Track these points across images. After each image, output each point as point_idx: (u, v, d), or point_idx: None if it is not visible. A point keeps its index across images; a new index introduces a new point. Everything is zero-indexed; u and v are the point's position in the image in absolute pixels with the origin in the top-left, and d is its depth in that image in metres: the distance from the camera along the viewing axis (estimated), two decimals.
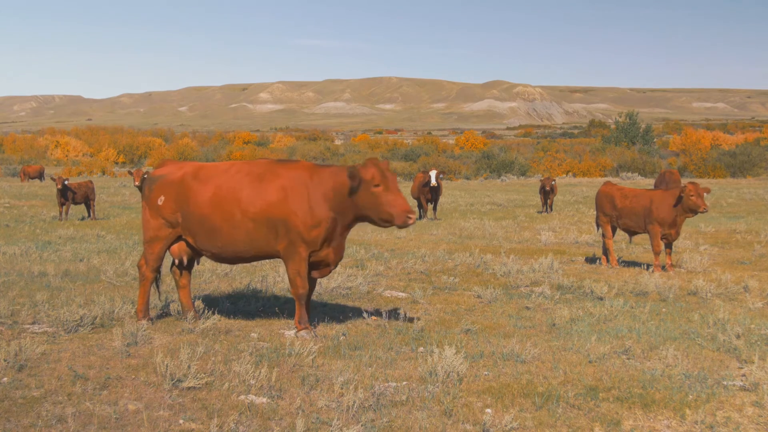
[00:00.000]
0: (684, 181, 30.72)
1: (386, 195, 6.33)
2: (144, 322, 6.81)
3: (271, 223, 6.47)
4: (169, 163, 7.18)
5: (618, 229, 11.42)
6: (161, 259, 7.00)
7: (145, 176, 7.28)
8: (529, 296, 8.48)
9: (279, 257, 6.68)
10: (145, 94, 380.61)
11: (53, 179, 18.59)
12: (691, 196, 10.17)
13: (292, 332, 6.71)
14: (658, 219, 10.44)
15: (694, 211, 10.32)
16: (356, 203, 6.43)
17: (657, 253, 10.65)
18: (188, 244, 6.91)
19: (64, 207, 18.67)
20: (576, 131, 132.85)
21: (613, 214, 11.11)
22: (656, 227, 10.49)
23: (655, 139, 66.03)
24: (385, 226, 6.56)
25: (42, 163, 52.00)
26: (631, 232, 11.28)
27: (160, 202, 6.81)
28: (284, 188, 6.46)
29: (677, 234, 10.64)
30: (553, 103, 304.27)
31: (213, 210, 6.57)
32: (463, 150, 74.76)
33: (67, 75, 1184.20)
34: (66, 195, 18.43)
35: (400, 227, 6.38)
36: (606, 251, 11.33)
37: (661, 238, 10.60)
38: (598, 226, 11.74)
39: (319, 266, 6.71)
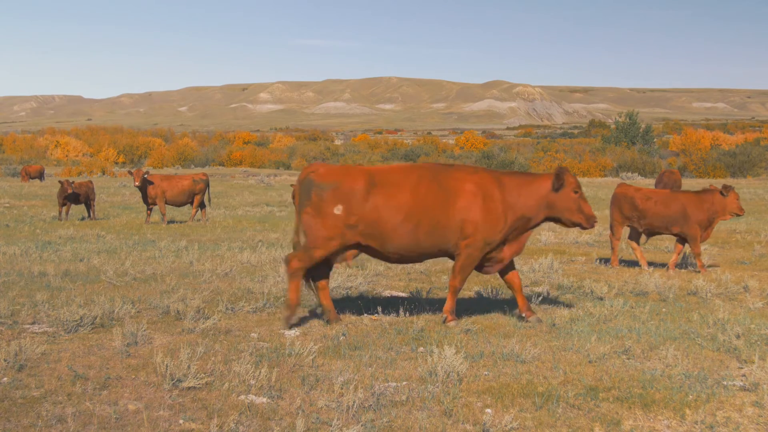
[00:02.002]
0: (684, 181, 30.71)
1: (581, 202, 7.11)
2: (295, 317, 6.92)
3: (458, 227, 6.82)
4: (321, 166, 7.03)
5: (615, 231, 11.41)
6: (317, 262, 6.94)
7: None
8: (529, 296, 8.48)
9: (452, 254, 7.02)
10: (145, 94, 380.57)
11: (61, 183, 18.51)
12: (736, 200, 10.52)
13: (292, 332, 6.72)
14: (697, 221, 10.52)
15: (734, 215, 10.65)
16: (553, 205, 7.08)
17: (698, 255, 10.69)
18: (360, 248, 6.99)
19: (65, 207, 18.68)
20: (576, 131, 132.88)
21: (634, 215, 11.02)
22: (695, 229, 10.53)
23: (655, 139, 66.06)
24: (569, 227, 7.44)
25: (42, 163, 52.00)
26: (652, 233, 11.24)
27: (337, 212, 6.73)
28: (474, 194, 6.85)
29: (708, 236, 10.82)
30: (553, 103, 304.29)
31: (403, 217, 6.76)
32: (463, 150, 74.78)
33: (67, 75, 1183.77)
34: (70, 197, 18.47)
35: (583, 229, 7.41)
36: (614, 251, 11.33)
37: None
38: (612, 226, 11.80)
39: (492, 261, 7.16)
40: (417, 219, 6.76)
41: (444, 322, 7.05)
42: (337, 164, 7.44)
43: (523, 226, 7.14)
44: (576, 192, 7.07)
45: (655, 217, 10.81)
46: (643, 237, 11.36)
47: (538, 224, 7.29)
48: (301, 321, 7.23)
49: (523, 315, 7.22)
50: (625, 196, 11.21)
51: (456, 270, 7.00)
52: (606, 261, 11.49)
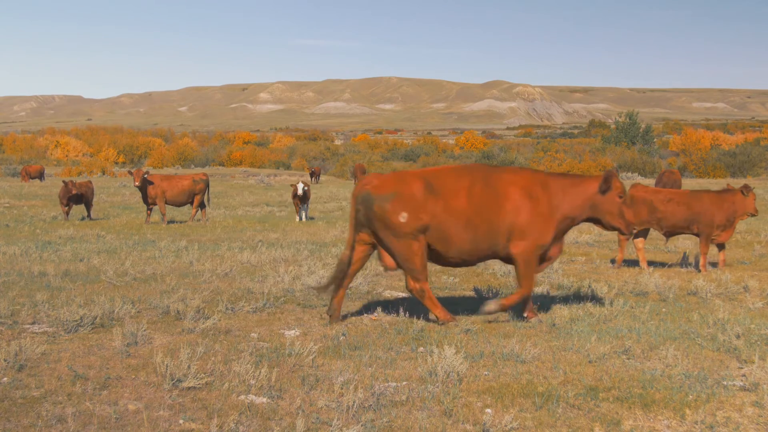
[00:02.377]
0: (684, 181, 30.71)
1: (624, 207, 7.26)
2: (452, 321, 7.01)
3: (507, 229, 6.91)
4: (375, 178, 7.12)
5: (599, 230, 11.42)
6: (426, 268, 7.01)
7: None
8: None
9: (506, 256, 7.11)
10: (145, 94, 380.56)
11: (65, 183, 18.47)
12: (753, 200, 10.64)
13: (292, 332, 6.72)
14: (718, 221, 10.56)
15: (750, 215, 10.82)
16: (597, 207, 7.19)
17: (705, 254, 10.75)
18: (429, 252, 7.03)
19: (68, 208, 18.68)
20: (576, 131, 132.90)
21: (653, 218, 10.88)
22: (712, 229, 10.59)
23: (655, 139, 66.08)
24: (606, 230, 7.58)
25: (42, 163, 52.00)
26: (671, 234, 11.22)
27: (402, 219, 6.82)
28: (521, 195, 6.95)
29: (730, 236, 10.94)
30: (553, 103, 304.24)
31: (465, 220, 6.86)
32: (463, 150, 74.84)
33: (67, 75, 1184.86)
34: (73, 198, 18.48)
35: (621, 234, 7.90)
36: (623, 250, 11.33)
37: (712, 240, 10.79)
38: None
39: (541, 260, 7.24)
40: (475, 221, 6.87)
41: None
42: (389, 173, 7.56)
43: (567, 226, 7.31)
44: (620, 197, 7.20)
45: (678, 219, 10.73)
46: (651, 238, 11.36)
47: (577, 224, 7.46)
48: (301, 321, 7.23)
49: (525, 315, 7.24)
50: (643, 200, 10.92)
51: (520, 280, 7.08)
52: (607, 261, 11.48)
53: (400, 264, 7.01)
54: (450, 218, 6.84)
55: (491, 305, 6.99)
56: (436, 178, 7.02)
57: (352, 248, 7.21)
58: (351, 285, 8.74)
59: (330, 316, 7.15)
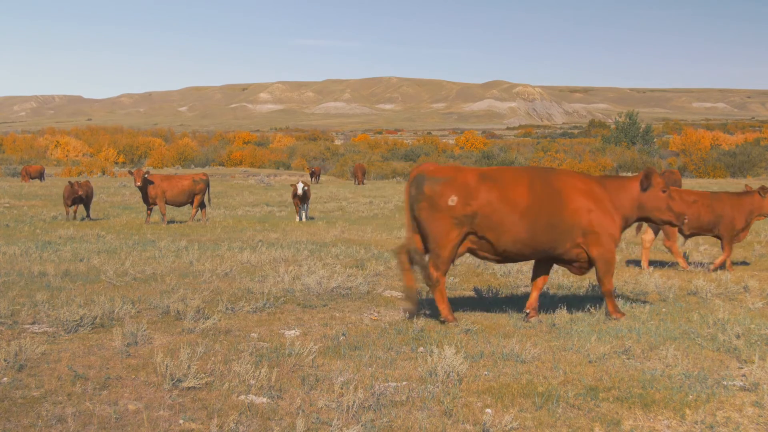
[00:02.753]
0: (684, 181, 30.67)
1: (670, 200, 7.44)
2: (452, 321, 7.06)
3: (579, 229, 7.08)
4: (431, 164, 7.25)
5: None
6: (451, 262, 7.11)
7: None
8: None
9: (559, 255, 7.23)
10: (145, 94, 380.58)
11: (71, 184, 18.41)
12: None
13: (292, 332, 6.72)
14: (739, 222, 10.61)
15: (764, 216, 10.93)
16: (644, 205, 7.36)
17: (729, 255, 10.83)
18: (476, 244, 7.11)
19: (72, 208, 18.66)
20: (576, 131, 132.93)
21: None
22: (733, 231, 10.68)
23: (655, 139, 66.08)
24: (660, 225, 7.91)
25: (42, 163, 52.02)
26: (692, 235, 11.23)
27: (451, 203, 6.90)
28: (587, 196, 7.12)
29: (745, 236, 11.08)
30: (553, 103, 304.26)
31: (522, 212, 6.95)
32: (463, 150, 74.84)
33: (67, 75, 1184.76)
34: (77, 198, 18.49)
35: (673, 227, 8.31)
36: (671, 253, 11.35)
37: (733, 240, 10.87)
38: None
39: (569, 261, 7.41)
40: (534, 215, 6.96)
41: (608, 316, 7.30)
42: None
43: (622, 228, 7.45)
44: (664, 191, 7.37)
45: (703, 221, 10.76)
46: (676, 239, 11.36)
47: (630, 225, 7.60)
48: (301, 321, 7.23)
49: (527, 311, 7.33)
50: None
51: (600, 277, 7.28)
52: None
53: (431, 248, 7.04)
54: (505, 207, 6.93)
55: (615, 317, 7.25)
56: (493, 171, 7.24)
57: (412, 233, 7.27)
58: (352, 285, 8.74)
59: (407, 300, 7.31)
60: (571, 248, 7.16)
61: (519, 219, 6.93)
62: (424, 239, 7.09)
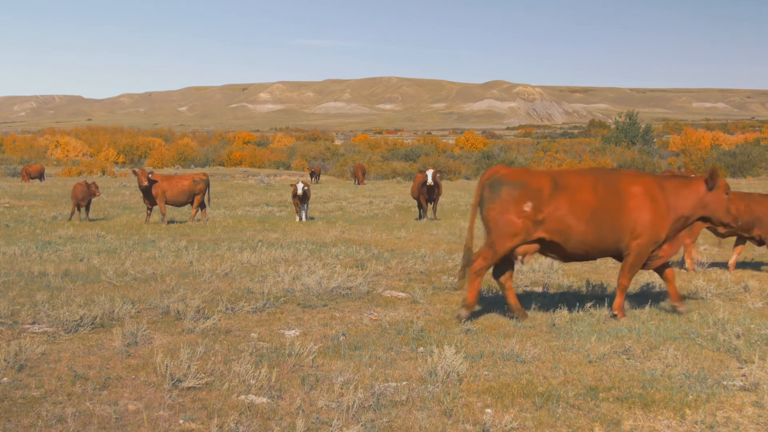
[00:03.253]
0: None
1: (729, 203, 7.57)
2: (466, 316, 7.17)
3: (630, 227, 7.23)
4: (503, 168, 7.47)
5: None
6: (499, 259, 7.28)
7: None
8: (529, 296, 8.48)
9: (621, 253, 7.40)
10: (145, 94, 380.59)
11: (88, 185, 18.35)
12: None
13: (292, 332, 6.72)
14: None
15: None
16: (707, 205, 7.49)
17: None
18: (545, 246, 7.33)
19: (85, 209, 18.62)
20: (576, 131, 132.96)
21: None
22: None
23: (655, 139, 66.09)
24: (716, 226, 8.24)
25: (42, 163, 52.01)
26: (727, 236, 11.23)
27: (526, 209, 7.10)
28: (642, 196, 7.28)
29: None
30: (553, 103, 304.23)
31: (589, 215, 7.17)
32: (463, 150, 74.84)
33: (67, 75, 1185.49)
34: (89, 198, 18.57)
35: (729, 229, 8.51)
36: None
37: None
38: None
39: (653, 258, 7.58)
40: (600, 218, 7.18)
41: (613, 317, 7.34)
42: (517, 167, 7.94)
43: (682, 225, 7.60)
44: (726, 193, 7.53)
45: (742, 222, 10.75)
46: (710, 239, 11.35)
47: (691, 223, 7.73)
48: (301, 321, 7.24)
49: (675, 305, 7.58)
50: None
51: (625, 269, 7.41)
52: (607, 261, 11.45)
53: (491, 240, 7.23)
54: (574, 212, 7.15)
55: (615, 313, 7.39)
56: (562, 176, 7.43)
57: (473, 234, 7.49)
58: (352, 285, 8.74)
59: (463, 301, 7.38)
60: (627, 246, 7.37)
61: (586, 223, 7.18)
62: (488, 234, 7.30)
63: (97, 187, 18.47)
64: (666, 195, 7.39)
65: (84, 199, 18.35)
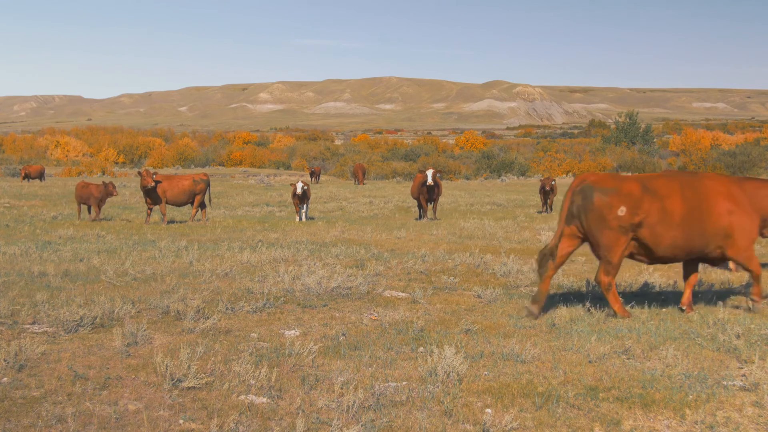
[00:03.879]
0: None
1: None
2: (628, 317, 7.34)
3: (728, 230, 7.40)
4: (592, 174, 7.62)
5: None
6: (620, 265, 7.53)
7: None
8: (530, 296, 8.47)
9: (706, 255, 7.60)
10: (145, 94, 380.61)
11: (105, 185, 18.33)
12: None
13: (292, 332, 6.72)
14: None
15: None
16: None
17: None
18: (635, 249, 7.49)
19: (100, 209, 18.61)
20: (576, 131, 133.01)
21: None
22: None
23: (655, 139, 66.12)
24: None
25: (42, 163, 52.01)
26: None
27: (621, 213, 7.28)
28: (735, 199, 7.46)
29: None
30: (553, 103, 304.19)
31: (679, 219, 7.35)
32: (463, 150, 74.83)
33: (67, 75, 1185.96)
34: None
35: None
36: None
37: None
38: None
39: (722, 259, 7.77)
40: (689, 223, 7.35)
41: (753, 305, 7.65)
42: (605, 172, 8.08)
43: (760, 229, 7.75)
44: None
45: None
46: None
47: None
48: (301, 321, 7.23)
49: (683, 308, 7.70)
50: None
51: (751, 270, 7.59)
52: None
53: (601, 255, 7.44)
54: (665, 217, 7.31)
55: (756, 304, 7.66)
56: (650, 181, 7.56)
57: (559, 239, 7.59)
58: (352, 285, 8.74)
59: (534, 303, 7.50)
60: (715, 249, 7.51)
61: (676, 227, 7.34)
62: (594, 247, 7.50)
63: (114, 187, 18.52)
64: (748, 196, 7.55)
65: (103, 199, 18.41)
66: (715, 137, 66.88)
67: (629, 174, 7.98)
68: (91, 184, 18.86)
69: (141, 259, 11.10)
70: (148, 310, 7.50)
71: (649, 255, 7.55)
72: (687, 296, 7.76)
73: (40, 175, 38.60)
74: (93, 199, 18.41)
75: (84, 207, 19.23)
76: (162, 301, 7.57)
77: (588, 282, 9.22)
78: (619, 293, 8.71)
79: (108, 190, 18.33)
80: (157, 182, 17.45)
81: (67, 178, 43.43)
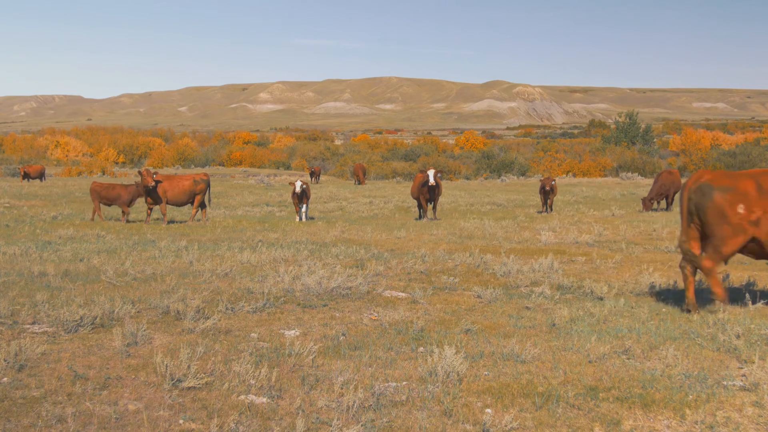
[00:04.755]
0: (684, 181, 30.62)
1: None
2: (725, 301, 7.63)
3: None
4: (707, 173, 7.76)
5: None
6: (727, 259, 7.73)
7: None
8: (529, 296, 8.48)
9: None
10: (145, 94, 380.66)
11: (137, 184, 18.27)
12: None
13: (292, 332, 6.72)
14: None
15: None
16: None
17: None
18: (746, 246, 7.63)
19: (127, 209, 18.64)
20: (576, 131, 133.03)
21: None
22: None
23: (655, 139, 66.11)
24: None
25: (42, 163, 52.01)
26: None
27: (740, 210, 7.45)
28: None
29: None
30: (553, 103, 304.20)
31: None
32: (463, 150, 74.83)
33: (67, 75, 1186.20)
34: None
35: None
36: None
37: None
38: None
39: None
40: None
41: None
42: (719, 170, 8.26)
43: None
44: None
45: None
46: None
47: None
48: (301, 321, 7.24)
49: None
50: None
51: None
52: (607, 261, 11.46)
53: (714, 243, 7.57)
54: None
55: None
56: (761, 178, 7.61)
57: (688, 239, 7.82)
58: (351, 285, 8.75)
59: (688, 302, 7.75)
60: None
61: None
62: (709, 237, 7.61)
63: (140, 186, 18.36)
64: None
65: (133, 200, 18.40)
66: (715, 137, 66.90)
67: (741, 171, 8.13)
68: (117, 185, 18.82)
69: (141, 259, 11.10)
70: (148, 310, 7.50)
71: (760, 252, 7.68)
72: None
73: (40, 175, 38.61)
74: (121, 201, 18.36)
75: (77, 207, 19.24)
76: (162, 301, 7.57)
77: (588, 282, 9.22)
78: (618, 294, 8.73)
79: (138, 191, 18.27)
80: (157, 182, 17.46)
81: (67, 178, 43.43)
